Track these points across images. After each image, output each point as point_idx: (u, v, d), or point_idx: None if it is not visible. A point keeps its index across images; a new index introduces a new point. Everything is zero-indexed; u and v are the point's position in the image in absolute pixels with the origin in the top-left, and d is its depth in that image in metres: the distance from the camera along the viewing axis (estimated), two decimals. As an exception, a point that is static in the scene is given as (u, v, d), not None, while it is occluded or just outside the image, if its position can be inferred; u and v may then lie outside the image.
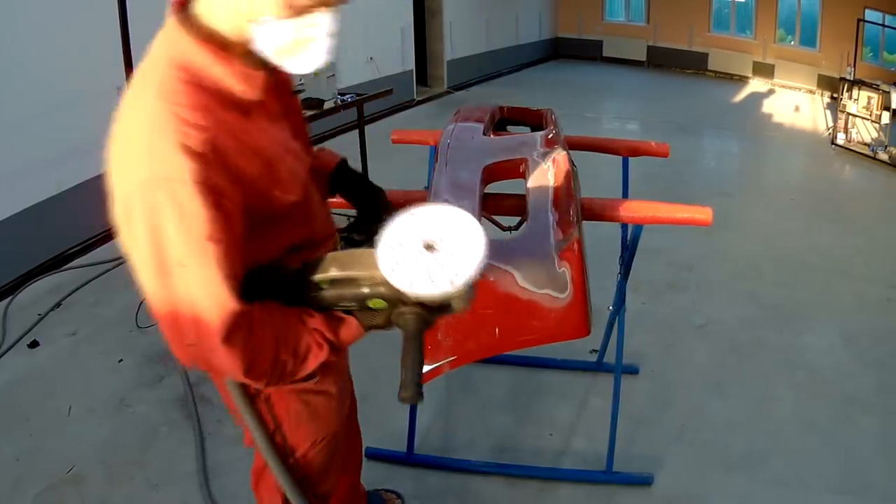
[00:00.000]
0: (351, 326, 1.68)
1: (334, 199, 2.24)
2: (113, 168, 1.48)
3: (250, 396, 1.86)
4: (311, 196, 1.83)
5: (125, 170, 1.45)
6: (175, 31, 1.53)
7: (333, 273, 1.61)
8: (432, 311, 1.56)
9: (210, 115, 1.47)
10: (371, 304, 1.62)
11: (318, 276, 1.62)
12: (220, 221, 1.45)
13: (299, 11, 1.51)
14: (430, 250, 1.49)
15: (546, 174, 2.61)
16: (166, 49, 1.53)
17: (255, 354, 1.55)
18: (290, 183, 1.67)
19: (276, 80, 1.74)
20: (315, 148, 2.18)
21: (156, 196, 1.40)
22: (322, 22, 1.56)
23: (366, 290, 1.59)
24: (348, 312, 1.68)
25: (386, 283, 1.51)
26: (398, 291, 1.51)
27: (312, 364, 1.66)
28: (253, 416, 1.85)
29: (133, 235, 1.46)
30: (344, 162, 2.23)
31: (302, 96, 5.40)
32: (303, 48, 1.57)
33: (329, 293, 1.63)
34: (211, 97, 1.50)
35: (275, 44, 1.54)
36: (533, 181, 2.61)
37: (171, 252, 1.44)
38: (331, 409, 2.03)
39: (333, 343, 1.67)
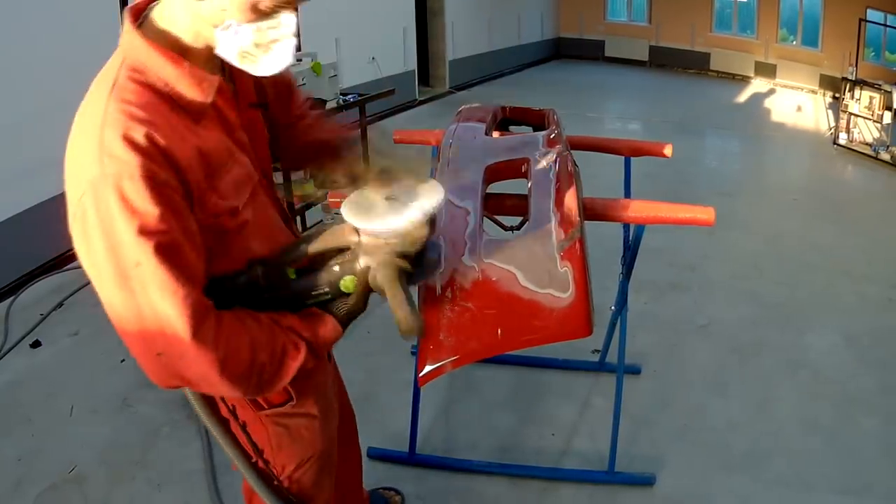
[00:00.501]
0: (327, 322, 1.68)
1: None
2: (67, 174, 1.46)
3: (225, 422, 1.84)
4: (265, 213, 1.80)
5: (77, 172, 1.42)
6: (131, 34, 1.51)
7: (303, 249, 1.64)
8: (404, 258, 1.58)
9: (158, 114, 1.45)
10: (343, 285, 1.63)
11: (287, 258, 1.65)
12: (171, 216, 1.42)
13: (264, 14, 1.48)
14: (389, 200, 1.59)
15: (548, 174, 2.61)
16: (122, 53, 1.52)
17: (229, 353, 1.50)
18: (231, 192, 1.61)
19: (238, 90, 1.75)
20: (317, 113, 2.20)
21: (105, 195, 1.37)
22: (287, 22, 1.52)
23: (336, 268, 1.62)
24: (322, 307, 1.68)
25: (353, 253, 1.59)
26: (365, 250, 1.58)
27: (291, 367, 1.62)
28: (228, 441, 1.82)
29: (89, 241, 1.42)
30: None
31: (303, 96, 5.40)
32: (267, 50, 1.53)
33: (300, 284, 1.64)
34: (161, 99, 1.48)
35: (238, 47, 1.51)
36: (535, 181, 2.61)
37: (126, 252, 1.39)
38: (314, 429, 1.99)
39: (311, 342, 1.65)
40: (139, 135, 1.38)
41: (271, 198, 1.87)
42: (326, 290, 1.64)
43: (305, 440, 1.97)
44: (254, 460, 1.92)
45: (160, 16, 1.53)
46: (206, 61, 1.57)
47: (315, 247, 1.64)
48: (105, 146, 1.37)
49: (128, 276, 1.41)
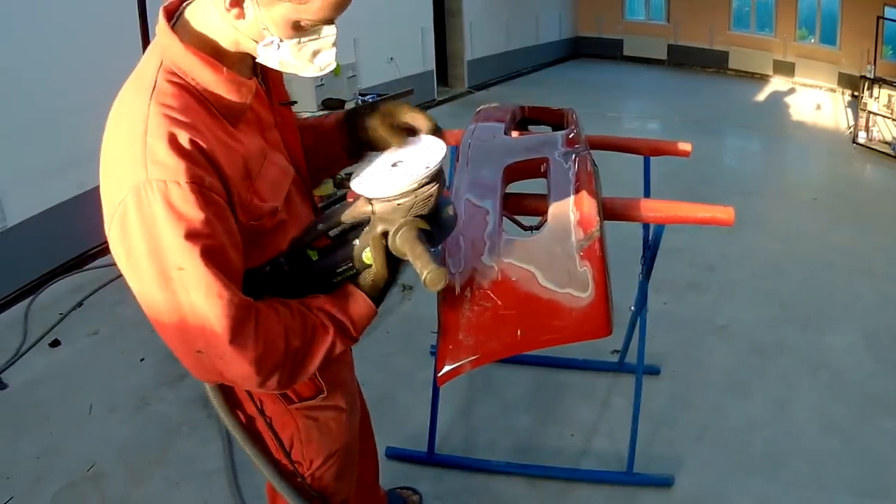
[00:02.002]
0: (357, 299, 1.68)
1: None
2: (105, 176, 1.47)
3: (249, 419, 1.87)
4: (299, 209, 1.82)
5: (118, 175, 1.43)
6: (168, 37, 1.52)
7: (320, 228, 1.66)
8: (419, 217, 1.58)
9: (199, 118, 1.47)
10: (366, 257, 1.63)
11: (306, 239, 1.67)
12: (216, 220, 1.44)
13: (304, 30, 1.52)
14: (395, 165, 1.61)
15: (567, 174, 2.61)
16: (158, 54, 1.53)
17: (266, 347, 1.52)
18: (269, 193, 1.63)
19: (269, 88, 1.77)
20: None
21: (150, 199, 1.38)
22: (327, 34, 1.55)
23: (356, 242, 1.62)
24: (352, 282, 1.70)
25: (371, 223, 1.60)
26: (381, 217, 1.58)
27: (320, 349, 1.62)
28: (247, 439, 1.84)
29: (130, 245, 1.43)
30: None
31: (322, 97, 5.41)
32: (311, 61, 1.57)
33: (323, 263, 1.66)
34: (199, 102, 1.50)
35: (279, 59, 1.54)
36: (554, 181, 2.61)
37: (170, 256, 1.41)
38: (341, 422, 2.00)
39: (340, 321, 1.65)
40: (184, 139, 1.40)
41: (304, 194, 1.88)
42: (351, 265, 1.65)
43: (333, 433, 1.98)
44: (276, 458, 1.93)
45: (194, 18, 1.54)
46: (241, 62, 1.61)
47: (330, 223, 1.66)
48: (149, 150, 1.38)
49: (170, 277, 1.43)
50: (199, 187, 1.40)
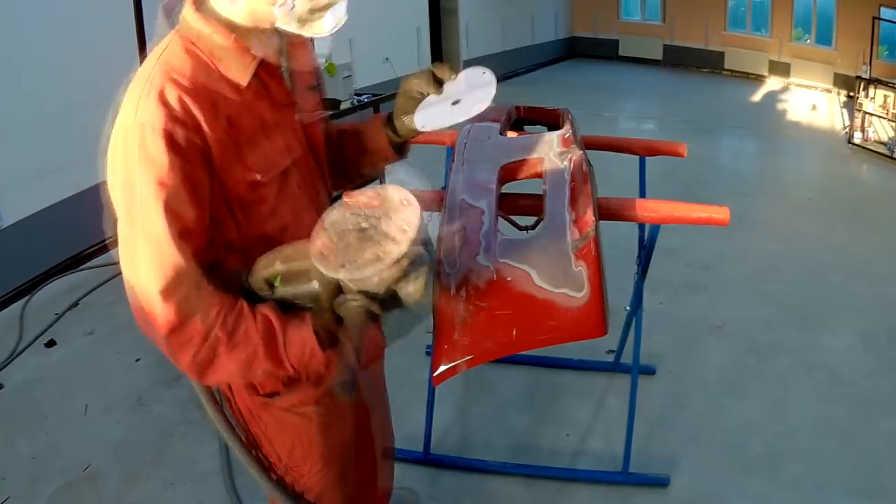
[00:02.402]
0: (303, 329, 1.61)
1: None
2: (114, 124, 1.57)
3: (224, 404, 1.88)
4: (293, 197, 1.80)
5: (119, 116, 1.55)
6: (188, 11, 1.63)
7: (277, 267, 1.60)
8: (377, 300, 1.49)
9: (197, 80, 1.57)
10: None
11: (264, 272, 1.61)
12: (179, 170, 1.51)
13: None
14: (362, 233, 1.47)
15: (563, 174, 2.61)
16: (177, 28, 1.65)
17: (188, 319, 1.54)
18: (257, 164, 1.67)
19: (294, 71, 1.82)
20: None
21: (132, 138, 1.50)
22: None
23: (315, 284, 1.55)
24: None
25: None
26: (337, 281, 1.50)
27: (238, 355, 1.59)
28: (224, 426, 1.85)
29: (113, 174, 1.55)
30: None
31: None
32: (322, 15, 1.62)
33: (282, 291, 1.62)
34: (203, 67, 1.60)
35: (296, 17, 1.59)
36: (550, 181, 2.61)
37: (137, 195, 1.51)
38: (310, 433, 1.96)
39: (275, 339, 1.60)
40: (172, 94, 1.51)
41: (309, 181, 1.87)
42: (308, 302, 1.61)
43: (303, 440, 1.97)
44: (254, 454, 1.94)
45: (218, 2, 1.63)
46: (256, 39, 1.66)
47: (288, 267, 1.59)
48: (143, 98, 1.52)
49: (134, 218, 1.53)
50: (170, 136, 1.49)
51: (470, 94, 1.89)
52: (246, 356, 1.59)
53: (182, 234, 1.53)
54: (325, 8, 1.61)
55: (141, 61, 1.62)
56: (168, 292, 1.51)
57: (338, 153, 2.09)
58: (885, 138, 10.42)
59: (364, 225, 1.48)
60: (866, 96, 10.72)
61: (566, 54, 20.73)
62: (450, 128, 1.89)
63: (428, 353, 4.45)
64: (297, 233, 1.69)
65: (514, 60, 17.06)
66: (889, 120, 10.32)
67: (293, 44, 1.82)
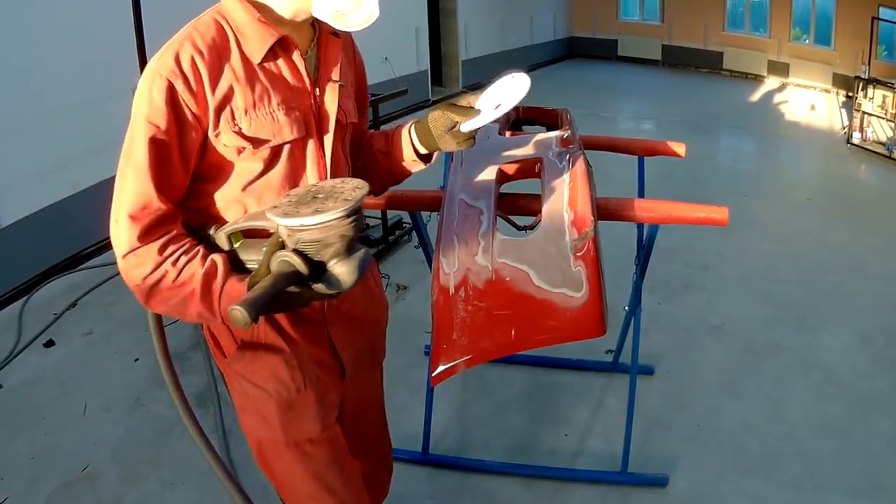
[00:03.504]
0: (242, 283, 1.68)
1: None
2: None
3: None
4: (292, 175, 1.87)
5: (151, 60, 1.74)
6: None
7: (241, 222, 1.75)
8: (307, 263, 1.52)
9: (215, 46, 1.73)
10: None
11: (227, 228, 1.77)
12: (172, 118, 1.67)
13: None
14: (315, 199, 1.59)
15: (562, 174, 2.60)
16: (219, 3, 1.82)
17: (149, 247, 1.68)
18: (251, 132, 1.76)
19: (321, 60, 1.93)
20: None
21: (145, 82, 1.67)
22: None
23: (263, 248, 1.66)
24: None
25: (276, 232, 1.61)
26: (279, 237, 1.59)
27: (178, 295, 1.71)
28: (183, 407, 1.95)
29: (132, 107, 1.70)
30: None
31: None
32: (357, 8, 1.74)
33: (240, 253, 1.76)
34: (225, 35, 1.76)
35: (333, 8, 1.73)
36: (548, 181, 2.60)
37: (133, 128, 1.68)
38: (267, 409, 1.99)
39: (212, 285, 1.70)
40: (186, 54, 1.68)
41: (312, 171, 1.90)
42: (255, 265, 1.72)
43: (260, 415, 2.01)
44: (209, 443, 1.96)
45: None
46: (286, 26, 1.81)
47: (247, 224, 1.74)
48: (166, 50, 1.70)
49: (128, 144, 1.69)
50: (171, 88, 1.66)
51: (507, 93, 1.96)
52: (184, 295, 1.71)
53: (162, 174, 1.68)
54: (359, 2, 1.73)
55: (140, 61, 1.71)
56: (135, 217, 1.66)
57: (371, 164, 2.21)
58: (883, 138, 10.42)
59: (319, 195, 1.60)
60: (865, 96, 10.72)
61: (565, 54, 20.74)
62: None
63: (426, 353, 4.45)
64: (273, 202, 1.76)
65: (512, 61, 16.97)
66: (888, 120, 10.32)
67: (325, 37, 1.94)
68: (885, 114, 10.35)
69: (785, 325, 5.09)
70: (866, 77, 10.97)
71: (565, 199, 2.46)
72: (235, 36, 1.77)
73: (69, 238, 5.71)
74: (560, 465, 3.66)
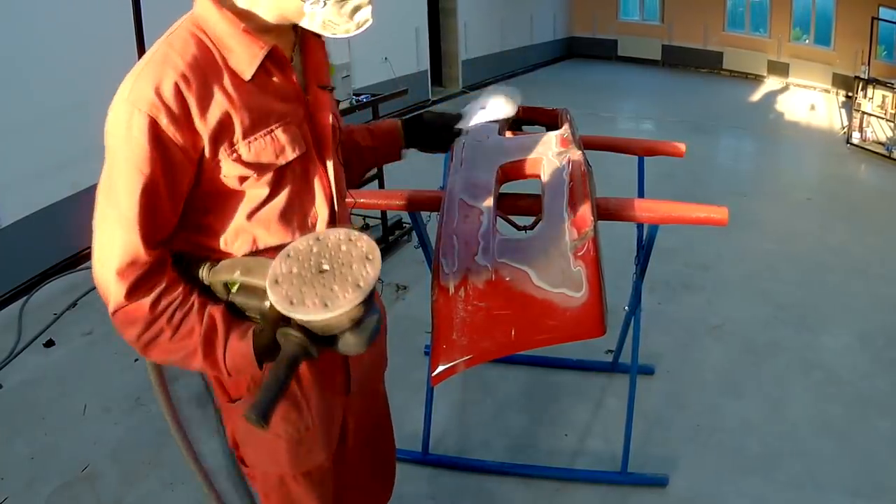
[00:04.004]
0: (246, 338, 1.61)
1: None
2: None
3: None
4: (297, 190, 1.76)
5: (119, 90, 1.54)
6: None
7: (236, 276, 1.62)
8: (316, 340, 1.47)
9: (198, 67, 1.55)
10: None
11: (223, 276, 1.64)
12: (158, 161, 1.51)
13: None
14: (320, 273, 1.46)
15: (561, 174, 2.60)
16: (192, 10, 1.63)
17: (138, 304, 1.58)
18: (252, 160, 1.63)
19: (307, 67, 1.82)
20: (365, 123, 2.27)
21: (121, 116, 1.50)
22: None
23: (267, 303, 1.55)
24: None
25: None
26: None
27: (178, 351, 1.63)
28: (166, 405, 1.96)
29: (105, 139, 1.54)
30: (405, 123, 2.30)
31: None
32: (351, 17, 1.63)
33: (237, 298, 1.65)
34: (208, 53, 1.58)
35: (323, 18, 1.61)
36: (548, 181, 2.60)
37: (116, 174, 1.53)
38: (276, 450, 1.93)
39: (214, 345, 1.62)
40: (167, 82, 1.50)
41: (310, 182, 1.81)
42: (257, 316, 1.64)
43: (268, 452, 1.94)
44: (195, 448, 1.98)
45: None
46: (279, 38, 1.69)
47: (246, 280, 1.62)
48: (140, 78, 1.51)
49: (109, 190, 1.55)
50: (155, 126, 1.49)
51: (494, 100, 2.10)
52: (185, 352, 1.62)
53: (150, 222, 1.55)
54: (355, 11, 1.62)
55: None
56: (123, 273, 1.55)
57: (350, 159, 2.16)
58: (883, 138, 10.41)
59: (325, 266, 1.46)
60: (865, 96, 10.72)
61: (565, 54, 20.77)
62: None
63: (426, 353, 4.45)
64: (282, 228, 1.73)
65: (512, 60, 17.07)
66: (887, 120, 10.31)
67: (307, 40, 1.82)
68: (885, 114, 10.35)
69: (785, 325, 5.09)
70: (866, 77, 10.97)
71: (565, 199, 2.46)
72: (219, 50, 1.59)
73: (69, 238, 5.70)
74: (560, 465, 3.66)
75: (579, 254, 2.23)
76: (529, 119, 3.81)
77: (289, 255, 1.48)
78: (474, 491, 3.50)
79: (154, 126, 1.49)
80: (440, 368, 2.09)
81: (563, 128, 3.19)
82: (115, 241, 1.54)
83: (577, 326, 2.15)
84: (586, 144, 3.33)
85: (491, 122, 2.31)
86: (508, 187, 2.75)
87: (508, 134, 3.31)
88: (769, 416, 4.05)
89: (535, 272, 2.19)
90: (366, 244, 1.50)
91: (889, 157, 10.03)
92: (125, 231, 1.53)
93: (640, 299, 3.44)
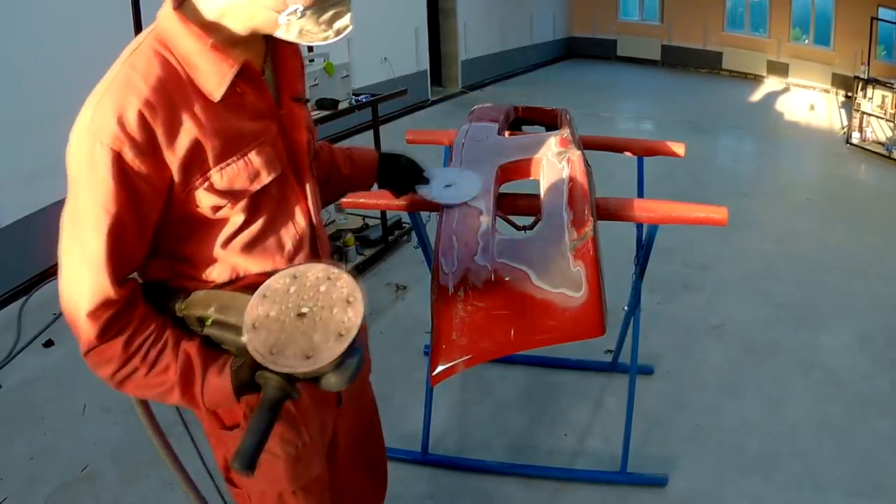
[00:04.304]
0: (223, 374, 1.55)
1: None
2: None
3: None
4: (273, 211, 1.69)
5: (80, 114, 1.46)
6: (165, 10, 1.53)
7: (211, 312, 1.57)
8: (295, 381, 1.43)
9: (163, 90, 1.45)
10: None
11: (197, 311, 1.59)
12: (122, 195, 1.43)
13: None
14: (300, 318, 1.39)
15: (561, 174, 2.60)
16: (154, 26, 1.54)
17: (110, 343, 1.52)
18: (225, 185, 1.55)
19: (280, 81, 1.73)
20: (347, 147, 2.26)
21: (83, 148, 1.43)
22: None
23: (244, 338, 1.43)
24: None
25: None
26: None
27: (154, 388, 1.58)
28: (153, 430, 1.93)
29: (67, 170, 1.50)
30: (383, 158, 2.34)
31: (316, 96, 5.39)
32: (329, 26, 1.54)
33: (212, 332, 1.58)
34: (174, 74, 1.48)
35: (300, 28, 1.51)
36: (548, 181, 2.60)
37: (80, 211, 1.47)
38: (274, 470, 1.89)
39: (192, 382, 1.56)
40: (131, 111, 1.40)
41: (287, 200, 1.73)
42: (234, 351, 1.57)
43: (266, 472, 1.89)
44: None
45: (204, 3, 1.52)
46: (250, 50, 1.60)
47: (221, 317, 1.57)
48: (101, 105, 1.41)
49: (74, 226, 1.49)
50: (119, 160, 1.41)
51: (459, 179, 2.24)
52: (162, 389, 1.57)
53: (119, 260, 1.49)
54: (333, 18, 1.53)
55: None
56: (93, 314, 1.48)
57: (327, 181, 2.16)
58: (882, 138, 10.41)
59: (304, 309, 1.40)
60: (864, 96, 10.72)
61: (564, 54, 20.77)
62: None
63: (426, 353, 4.45)
64: (262, 254, 1.67)
65: (512, 60, 17.08)
66: (887, 120, 10.31)
67: (280, 49, 1.73)
68: (885, 114, 10.34)
69: (785, 325, 5.09)
70: (865, 77, 10.96)
71: (564, 199, 2.46)
72: (184, 69, 1.49)
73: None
74: (559, 465, 3.66)
75: (579, 254, 2.24)
76: (529, 119, 3.82)
77: (265, 296, 1.42)
78: (474, 491, 3.50)
79: (118, 160, 1.41)
80: (440, 368, 2.10)
81: (563, 128, 3.19)
82: (82, 280, 1.48)
83: (577, 326, 2.16)
84: (586, 144, 3.33)
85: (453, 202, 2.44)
86: (508, 187, 2.75)
87: (508, 134, 3.31)
88: (769, 416, 4.05)
89: (535, 272, 2.19)
90: (346, 284, 1.43)
91: (889, 157, 10.03)
92: (93, 272, 1.47)
93: (639, 299, 3.44)
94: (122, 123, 1.39)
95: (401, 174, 2.37)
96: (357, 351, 1.41)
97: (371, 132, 6.16)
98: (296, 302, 1.40)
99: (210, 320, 1.57)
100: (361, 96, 5.95)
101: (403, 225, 6.44)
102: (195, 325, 1.60)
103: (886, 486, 3.54)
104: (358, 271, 5.68)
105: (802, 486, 3.53)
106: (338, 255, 5.61)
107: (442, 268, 2.23)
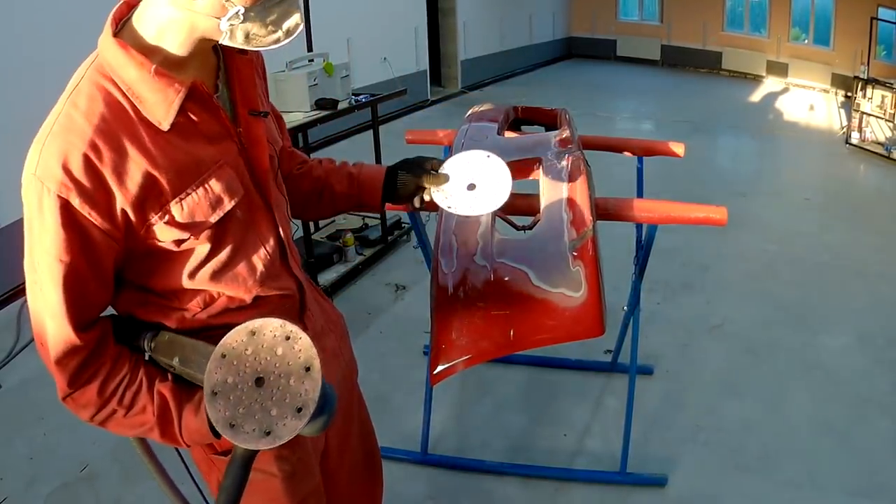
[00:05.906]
0: (200, 411, 1.52)
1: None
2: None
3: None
4: (239, 236, 1.61)
5: (27, 158, 1.41)
6: (105, 38, 1.45)
7: (175, 363, 1.52)
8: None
9: (108, 128, 1.37)
10: None
11: (162, 359, 1.55)
12: (77, 247, 1.39)
13: None
14: (258, 385, 1.33)
15: (560, 174, 2.60)
16: (95, 57, 1.46)
17: (84, 390, 1.49)
18: (186, 217, 1.47)
19: (235, 95, 1.64)
20: (355, 164, 2.09)
21: (32, 194, 1.39)
22: None
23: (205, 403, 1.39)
24: None
25: None
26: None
27: (132, 429, 1.57)
28: (149, 462, 1.84)
29: (24, 212, 1.44)
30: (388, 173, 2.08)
31: (316, 96, 5.39)
32: (276, 27, 1.45)
33: (182, 371, 1.53)
34: (118, 107, 1.40)
35: (244, 31, 1.42)
36: (547, 181, 2.60)
37: (36, 261, 1.44)
38: (272, 489, 1.86)
39: (170, 421, 1.54)
40: (76, 155, 1.34)
41: (253, 222, 1.66)
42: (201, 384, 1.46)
43: (263, 492, 1.86)
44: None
45: (139, 19, 1.44)
46: (200, 68, 1.53)
47: (182, 370, 1.52)
48: (46, 149, 1.37)
49: (33, 275, 1.46)
50: (67, 209, 1.36)
51: (484, 177, 1.88)
52: (143, 428, 1.56)
53: (79, 307, 1.44)
54: (281, 18, 1.45)
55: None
56: (61, 363, 1.45)
57: (320, 197, 2.05)
58: (882, 138, 10.39)
59: (261, 374, 1.33)
60: (864, 96, 10.70)
61: (564, 54, 20.76)
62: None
63: (425, 353, 4.45)
64: (233, 280, 1.62)
65: (511, 60, 17.07)
66: (886, 120, 10.30)
67: (233, 61, 1.63)
68: (884, 114, 10.33)
69: (784, 325, 5.08)
70: (865, 77, 10.95)
71: (564, 199, 2.46)
72: (129, 100, 1.40)
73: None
74: (559, 465, 3.66)
75: (578, 254, 2.23)
76: (528, 119, 3.82)
77: (223, 356, 1.35)
78: (473, 491, 3.50)
79: (66, 208, 1.35)
80: (439, 368, 2.10)
81: (562, 128, 3.19)
82: (46, 328, 1.44)
83: (576, 326, 2.16)
84: (585, 144, 3.34)
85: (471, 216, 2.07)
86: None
87: (508, 134, 3.31)
88: (768, 416, 4.05)
89: (534, 272, 2.19)
90: (304, 348, 1.34)
91: (888, 157, 10.02)
92: (55, 321, 1.42)
93: (639, 299, 3.44)
94: (67, 170, 1.34)
95: (404, 183, 2.03)
96: (328, 404, 1.38)
97: (371, 132, 6.17)
98: (253, 366, 1.34)
99: (176, 360, 1.53)
100: (361, 96, 5.95)
101: (403, 225, 6.44)
102: (165, 365, 1.56)
103: (886, 486, 3.54)
104: (358, 271, 5.68)
105: (802, 486, 3.53)
106: (337, 255, 5.61)
107: (441, 268, 2.23)
